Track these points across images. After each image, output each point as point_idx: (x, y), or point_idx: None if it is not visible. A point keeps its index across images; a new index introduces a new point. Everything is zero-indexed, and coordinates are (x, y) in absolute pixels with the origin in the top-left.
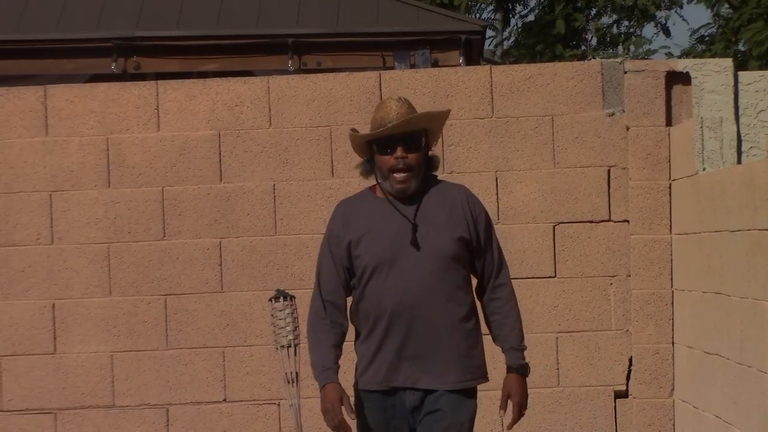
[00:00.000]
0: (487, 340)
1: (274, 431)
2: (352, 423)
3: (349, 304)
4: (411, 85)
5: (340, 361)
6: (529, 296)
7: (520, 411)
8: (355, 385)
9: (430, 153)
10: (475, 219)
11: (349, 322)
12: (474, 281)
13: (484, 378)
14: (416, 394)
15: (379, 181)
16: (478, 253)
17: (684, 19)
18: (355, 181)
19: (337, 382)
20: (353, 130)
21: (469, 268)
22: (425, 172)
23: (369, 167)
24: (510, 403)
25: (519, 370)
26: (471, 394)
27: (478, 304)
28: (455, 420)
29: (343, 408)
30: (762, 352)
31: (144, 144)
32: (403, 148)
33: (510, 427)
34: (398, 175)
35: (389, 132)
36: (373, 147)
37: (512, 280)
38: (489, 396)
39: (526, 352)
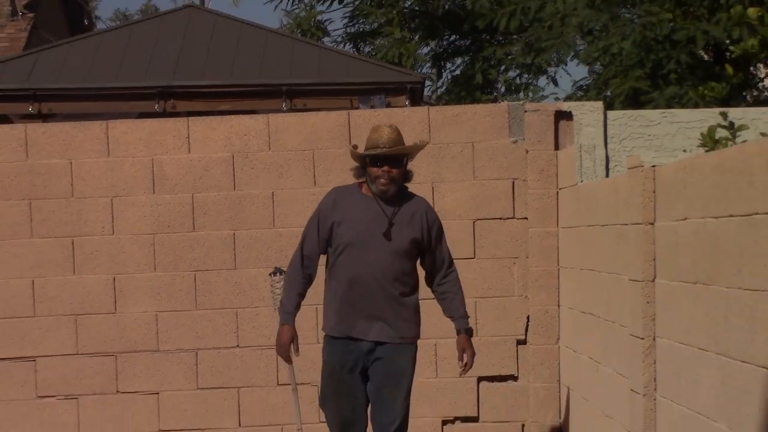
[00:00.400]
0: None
1: (273, 369)
2: (296, 359)
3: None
4: (371, 121)
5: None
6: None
7: (471, 360)
8: (324, 330)
9: (408, 168)
10: (430, 226)
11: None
12: (422, 273)
13: (414, 343)
14: (369, 342)
15: (368, 184)
16: (428, 251)
17: (568, 73)
18: (330, 187)
19: (292, 325)
20: (354, 146)
21: (415, 260)
22: (403, 181)
23: (361, 172)
24: (465, 356)
25: (467, 332)
26: (408, 349)
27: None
28: (396, 365)
29: (291, 346)
30: (622, 311)
31: (178, 163)
32: (389, 165)
33: (466, 371)
34: (382, 182)
35: (382, 153)
36: (366, 159)
37: None
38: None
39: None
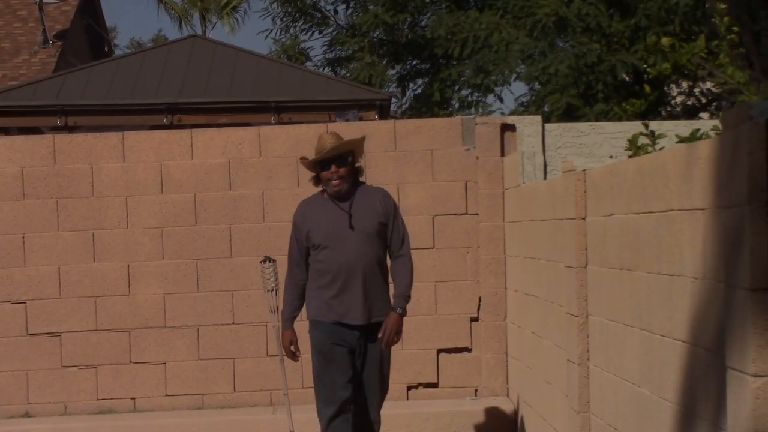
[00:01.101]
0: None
1: (263, 342)
2: (300, 357)
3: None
4: (346, 133)
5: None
6: (419, 260)
7: (390, 335)
8: (310, 316)
9: (357, 165)
10: (387, 210)
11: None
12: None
13: (388, 312)
14: (360, 327)
15: (324, 188)
16: (388, 232)
17: (511, 92)
18: (312, 189)
19: (291, 329)
20: (302, 158)
21: (384, 242)
22: (354, 178)
23: (316, 180)
24: (384, 333)
25: (399, 311)
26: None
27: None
28: (381, 352)
29: (292, 346)
30: (559, 293)
31: (183, 167)
32: (336, 165)
33: (383, 345)
34: (333, 182)
35: (325, 156)
36: (317, 166)
37: (411, 250)
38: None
39: (409, 304)
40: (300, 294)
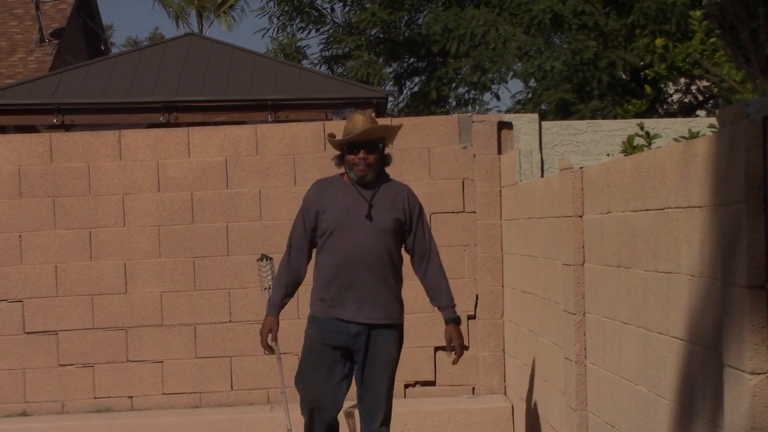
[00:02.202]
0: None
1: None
2: (280, 336)
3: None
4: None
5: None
6: None
7: (461, 350)
8: (310, 312)
9: (386, 154)
10: (411, 209)
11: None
12: (406, 257)
13: (401, 324)
14: (357, 325)
15: (347, 171)
16: (409, 233)
17: (508, 90)
18: (309, 184)
19: (275, 316)
20: (330, 134)
21: (400, 243)
22: (381, 168)
23: (340, 161)
24: (453, 346)
25: (455, 321)
26: (394, 332)
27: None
28: (384, 351)
29: (270, 336)
30: (556, 291)
31: (180, 165)
32: (365, 151)
33: (455, 362)
34: (359, 168)
35: (355, 139)
36: (343, 147)
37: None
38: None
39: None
40: (294, 282)
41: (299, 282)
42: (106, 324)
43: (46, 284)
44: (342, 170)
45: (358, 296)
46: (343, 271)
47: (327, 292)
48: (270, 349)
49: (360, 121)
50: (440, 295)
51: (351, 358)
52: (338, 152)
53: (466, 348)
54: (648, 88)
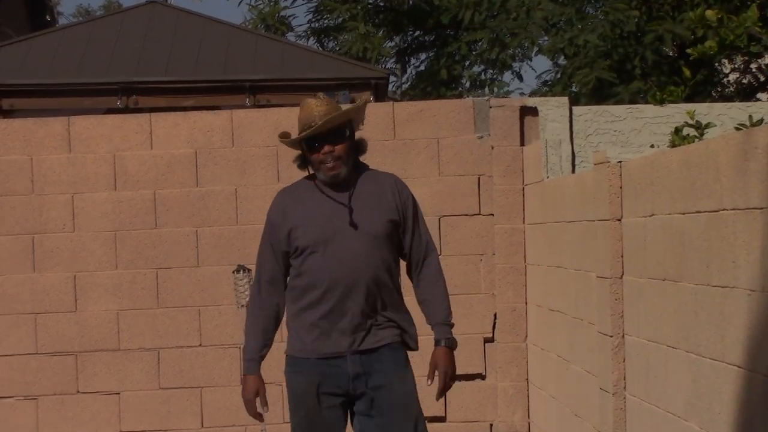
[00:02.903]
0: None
1: (236, 368)
2: (266, 414)
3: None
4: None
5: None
6: None
7: (446, 381)
8: (287, 352)
9: (357, 138)
10: (403, 203)
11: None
12: (404, 264)
13: (406, 345)
14: (354, 359)
15: (313, 173)
16: (405, 235)
17: (533, 69)
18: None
19: (257, 374)
20: (283, 135)
21: (396, 249)
22: (355, 158)
23: (303, 162)
24: (437, 374)
25: (446, 343)
26: (404, 359)
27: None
28: (397, 387)
29: (257, 400)
30: (590, 309)
31: (141, 159)
32: (330, 143)
33: (438, 396)
34: (328, 165)
35: (314, 132)
36: (302, 145)
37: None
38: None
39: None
40: (273, 324)
41: (278, 322)
42: (52, 348)
43: None
44: (307, 173)
45: (349, 324)
46: (329, 294)
47: (310, 325)
48: (260, 417)
49: (315, 108)
50: (435, 310)
51: (352, 406)
52: (298, 153)
53: (456, 380)
54: (686, 71)
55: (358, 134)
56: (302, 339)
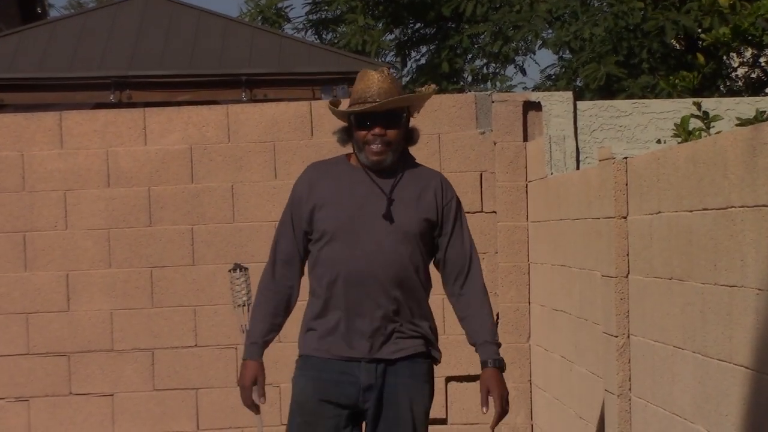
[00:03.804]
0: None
1: (233, 369)
2: (263, 409)
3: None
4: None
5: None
6: None
7: (502, 405)
8: (300, 350)
9: (411, 126)
10: (446, 205)
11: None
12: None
13: (431, 357)
14: (369, 368)
15: (355, 152)
16: (443, 240)
17: (536, 63)
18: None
19: (257, 360)
20: (332, 102)
21: (429, 251)
22: (404, 149)
23: (346, 136)
24: (491, 400)
25: (495, 364)
26: (423, 362)
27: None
28: (410, 408)
29: (255, 389)
30: (594, 309)
31: (134, 155)
32: (382, 126)
33: (494, 425)
34: (374, 147)
35: (371, 110)
36: (351, 118)
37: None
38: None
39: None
40: (283, 308)
41: (290, 308)
42: (44, 349)
43: None
44: (348, 150)
45: (369, 329)
46: (350, 292)
47: (325, 322)
48: (255, 408)
49: (376, 81)
50: (480, 327)
51: (360, 421)
52: (344, 123)
53: (508, 405)
54: (700, 58)
55: (412, 122)
56: (315, 338)
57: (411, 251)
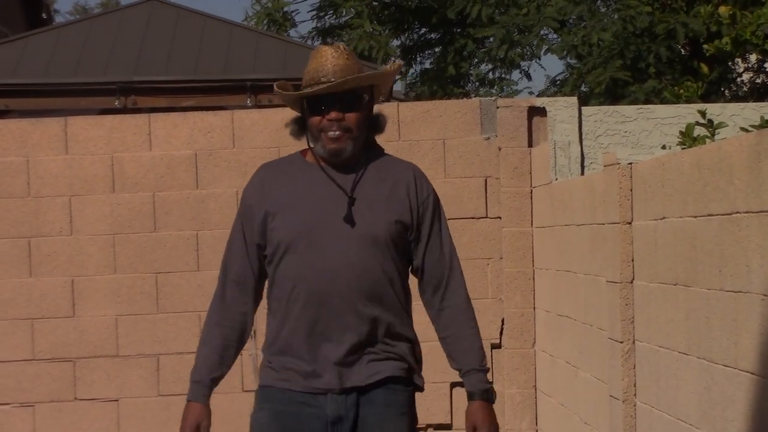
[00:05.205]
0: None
1: (237, 375)
2: None
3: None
4: None
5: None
6: None
7: None
8: (260, 381)
9: (375, 111)
10: (421, 203)
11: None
12: (414, 280)
13: (412, 385)
14: (337, 400)
15: (311, 145)
16: (417, 244)
17: (542, 67)
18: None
19: (202, 402)
20: (280, 86)
21: (405, 260)
22: (368, 136)
23: (298, 127)
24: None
25: (483, 395)
26: (402, 388)
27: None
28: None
29: None
30: (599, 314)
31: (140, 160)
32: (339, 109)
33: None
34: (331, 135)
35: (322, 91)
36: (303, 103)
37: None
38: None
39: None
40: (235, 338)
41: (244, 338)
42: (49, 354)
43: None
44: (303, 144)
45: (336, 355)
46: (313, 313)
47: (286, 348)
48: None
49: (329, 57)
50: (465, 351)
51: None
52: (296, 114)
53: None
54: (704, 68)
55: (376, 107)
56: (275, 367)
57: (382, 260)
